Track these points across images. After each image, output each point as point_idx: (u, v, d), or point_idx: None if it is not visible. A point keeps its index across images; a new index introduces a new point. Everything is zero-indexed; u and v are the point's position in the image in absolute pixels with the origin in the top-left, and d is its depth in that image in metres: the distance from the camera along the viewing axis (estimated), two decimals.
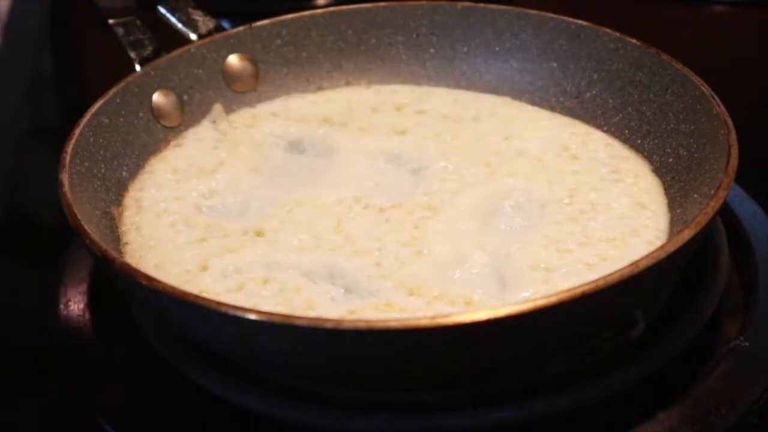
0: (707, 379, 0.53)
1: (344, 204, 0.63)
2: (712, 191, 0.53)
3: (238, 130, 0.73)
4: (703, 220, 0.50)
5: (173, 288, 0.49)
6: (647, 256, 0.48)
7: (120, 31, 0.76)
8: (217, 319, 0.47)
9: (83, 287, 0.63)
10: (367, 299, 0.54)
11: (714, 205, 0.52)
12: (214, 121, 0.74)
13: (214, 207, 0.63)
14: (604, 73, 0.72)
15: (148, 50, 0.74)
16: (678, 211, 0.61)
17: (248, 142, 0.72)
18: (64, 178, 0.57)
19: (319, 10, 0.79)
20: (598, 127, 0.72)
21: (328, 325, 0.45)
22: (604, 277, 0.46)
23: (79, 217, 0.54)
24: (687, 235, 0.49)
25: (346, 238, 0.60)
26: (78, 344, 0.59)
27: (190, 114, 0.74)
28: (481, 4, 0.78)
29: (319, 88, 0.78)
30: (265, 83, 0.78)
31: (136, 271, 0.50)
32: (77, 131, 0.63)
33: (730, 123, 0.58)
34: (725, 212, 0.65)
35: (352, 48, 0.79)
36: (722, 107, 0.60)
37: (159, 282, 0.49)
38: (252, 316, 0.46)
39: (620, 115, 0.71)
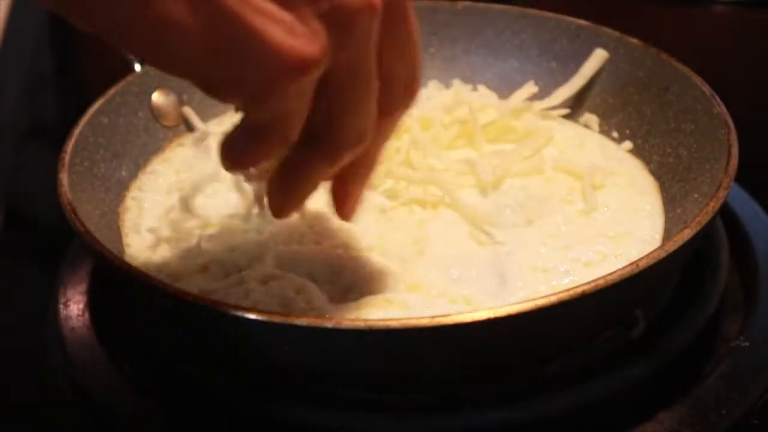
0: (707, 379, 0.53)
1: None
2: (713, 191, 0.53)
3: None
4: (703, 219, 0.50)
5: (173, 288, 0.49)
6: (647, 255, 0.48)
7: None
8: (216, 320, 0.47)
9: (83, 287, 0.63)
10: (367, 297, 0.54)
11: (714, 205, 0.52)
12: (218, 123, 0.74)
13: (216, 207, 0.63)
14: (604, 73, 0.72)
15: None
16: (678, 210, 0.61)
17: None
18: (64, 178, 0.58)
19: None
20: (598, 126, 0.72)
21: (328, 325, 0.45)
22: (604, 277, 0.46)
23: (79, 217, 0.54)
24: (687, 234, 0.49)
25: (347, 237, 0.59)
26: (77, 344, 0.59)
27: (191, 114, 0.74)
28: (481, 4, 0.78)
29: None
30: None
31: (137, 272, 0.50)
32: (77, 131, 0.63)
33: (731, 123, 0.58)
34: (725, 212, 0.65)
35: None
36: (722, 107, 0.60)
37: (159, 282, 0.49)
38: (252, 316, 0.46)
39: (620, 115, 0.71)
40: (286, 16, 0.40)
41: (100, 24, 0.41)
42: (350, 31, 0.41)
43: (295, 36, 0.40)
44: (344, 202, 0.51)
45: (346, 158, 0.46)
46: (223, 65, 0.40)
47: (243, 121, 0.45)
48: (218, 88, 0.42)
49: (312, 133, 0.45)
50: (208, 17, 0.39)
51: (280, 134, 0.44)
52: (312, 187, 0.48)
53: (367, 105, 0.44)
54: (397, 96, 0.46)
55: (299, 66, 0.40)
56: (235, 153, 0.46)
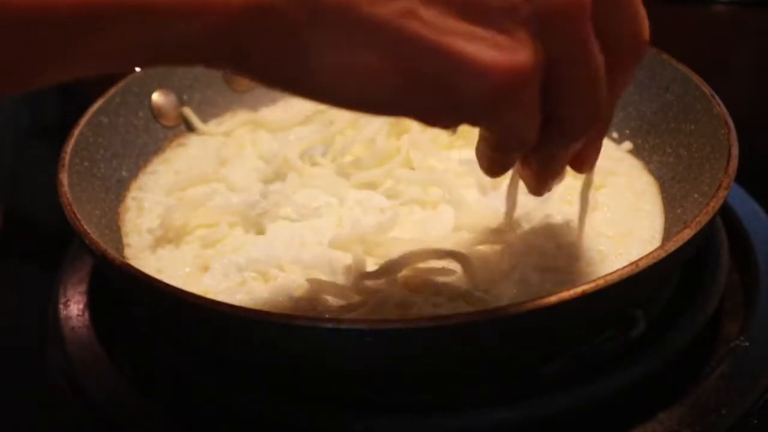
0: (707, 379, 0.53)
1: (346, 203, 0.63)
2: (713, 191, 0.53)
3: (241, 131, 0.73)
4: (703, 219, 0.50)
5: (173, 288, 0.49)
6: (648, 255, 0.48)
7: None
8: (216, 320, 0.47)
9: (83, 287, 0.63)
10: (367, 297, 0.54)
11: (714, 205, 0.52)
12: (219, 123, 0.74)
13: (215, 207, 0.63)
14: None
15: None
16: (678, 210, 0.61)
17: (251, 142, 0.71)
18: (64, 178, 0.58)
19: None
20: None
21: (328, 325, 0.45)
22: (604, 277, 0.46)
23: (79, 217, 0.54)
24: (687, 234, 0.49)
25: (348, 236, 0.59)
26: (77, 344, 0.59)
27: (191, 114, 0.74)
28: None
29: None
30: None
31: (137, 271, 0.50)
32: (77, 131, 0.63)
33: (731, 123, 0.58)
34: (725, 212, 0.65)
35: None
36: (722, 107, 0.60)
37: (159, 282, 0.49)
38: (252, 316, 0.46)
39: (620, 115, 0.71)
40: (485, 32, 0.39)
41: (294, 88, 0.41)
42: (562, 33, 0.40)
43: (500, 50, 0.39)
44: (583, 163, 0.52)
45: (587, 136, 0.46)
46: (435, 97, 0.39)
47: (481, 134, 0.46)
48: (438, 119, 0.42)
49: (549, 119, 0.43)
50: (404, 55, 0.38)
51: (518, 140, 0.44)
52: (562, 165, 0.49)
53: (597, 89, 0.43)
54: (626, 53, 0.44)
55: (512, 80, 0.39)
56: (487, 165, 0.48)
